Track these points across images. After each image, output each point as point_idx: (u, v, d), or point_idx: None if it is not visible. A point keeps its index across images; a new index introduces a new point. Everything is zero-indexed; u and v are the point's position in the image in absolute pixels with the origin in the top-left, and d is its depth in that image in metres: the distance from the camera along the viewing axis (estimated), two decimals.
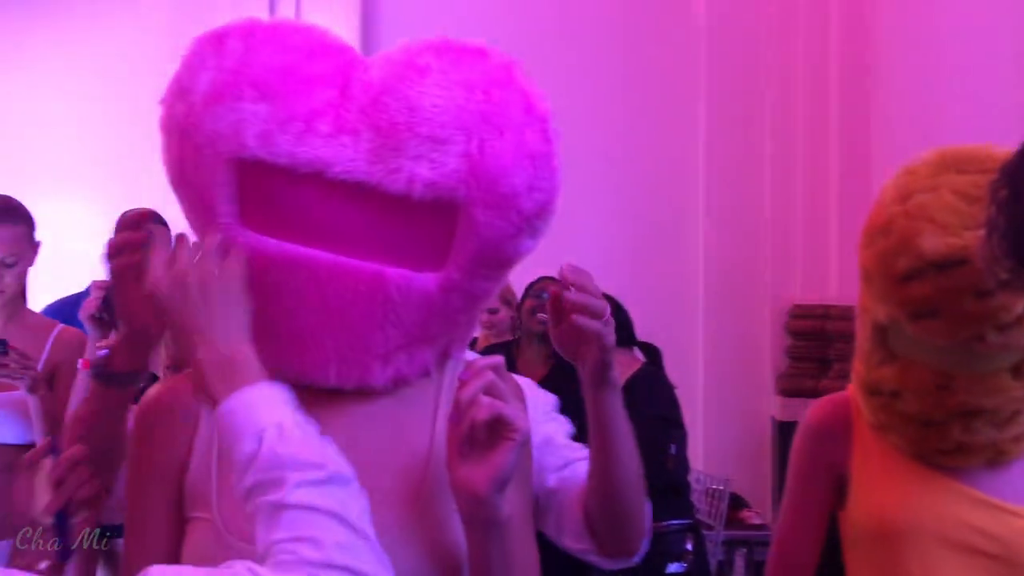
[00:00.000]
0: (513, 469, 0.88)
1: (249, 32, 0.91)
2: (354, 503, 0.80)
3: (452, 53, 0.91)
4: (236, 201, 0.90)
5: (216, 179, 0.89)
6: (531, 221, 0.93)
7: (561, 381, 1.59)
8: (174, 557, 0.96)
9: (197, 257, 0.87)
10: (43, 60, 4.31)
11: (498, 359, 0.91)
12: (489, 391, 0.87)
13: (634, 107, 4.41)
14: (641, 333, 3.03)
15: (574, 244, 3.76)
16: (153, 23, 4.21)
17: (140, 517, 0.99)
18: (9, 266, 2.21)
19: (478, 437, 0.88)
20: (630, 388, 2.94)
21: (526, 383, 1.12)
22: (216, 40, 0.91)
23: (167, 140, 0.93)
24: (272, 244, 0.90)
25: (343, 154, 0.87)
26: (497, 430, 0.87)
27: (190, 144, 0.90)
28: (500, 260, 0.95)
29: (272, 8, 4.19)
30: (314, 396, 0.97)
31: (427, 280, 0.91)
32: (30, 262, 2.30)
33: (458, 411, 0.88)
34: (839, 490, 1.33)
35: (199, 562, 0.93)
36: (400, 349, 0.95)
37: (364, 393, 0.97)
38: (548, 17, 4.31)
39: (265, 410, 0.82)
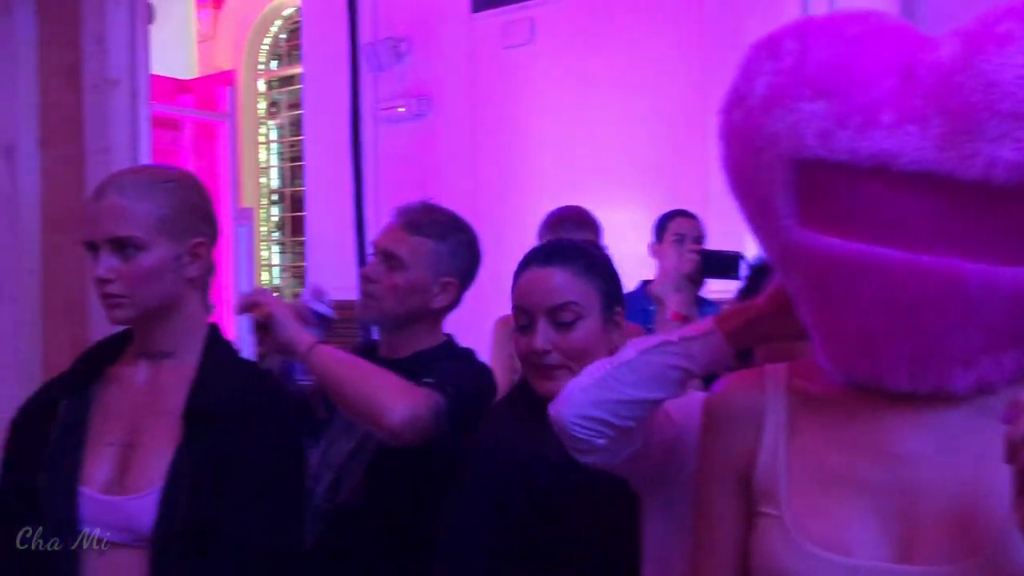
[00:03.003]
0: None
1: (803, 31, 0.89)
2: None
3: None
4: (796, 203, 0.89)
5: (776, 182, 0.88)
6: None
7: None
8: (743, 553, 0.98)
9: None
10: (594, 81, 4.77)
11: None
12: None
13: None
14: None
15: None
16: (685, 37, 4.41)
17: (709, 512, 1.03)
18: None
19: None
20: None
21: None
22: (772, 44, 0.90)
23: (726, 148, 0.95)
24: (836, 244, 0.87)
25: (908, 144, 0.81)
26: None
27: (749, 149, 0.90)
28: None
29: (804, 10, 4.10)
30: (887, 400, 0.93)
31: (1014, 275, 0.81)
32: None
33: (1012, 451, 0.76)
34: None
35: (766, 559, 0.94)
36: (984, 352, 0.86)
37: (941, 399, 0.90)
38: None
39: None
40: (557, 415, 1.11)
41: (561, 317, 1.36)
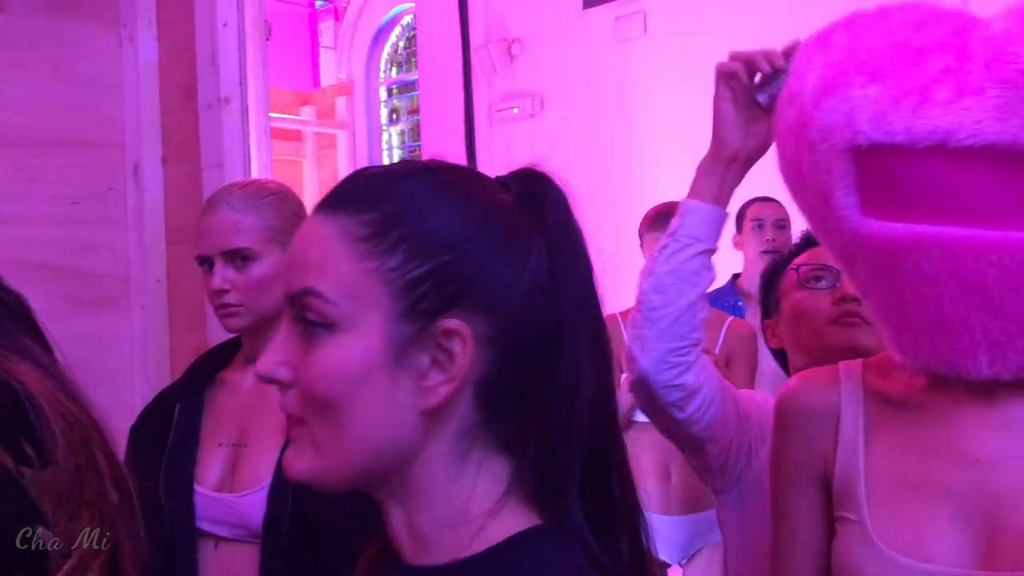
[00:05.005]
0: None
1: (851, 22, 0.89)
2: None
3: None
4: (855, 192, 0.87)
5: (833, 172, 0.87)
6: None
7: None
8: (825, 555, 0.96)
9: None
10: (709, 72, 4.69)
11: None
12: None
13: None
14: None
15: None
16: (801, 26, 4.29)
17: (786, 515, 1.01)
18: None
19: None
20: None
21: None
22: (822, 39, 0.90)
23: (781, 146, 0.95)
24: (900, 229, 0.84)
25: (966, 118, 0.78)
26: None
27: (804, 143, 0.89)
28: None
29: None
30: (969, 397, 0.89)
31: None
32: None
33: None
34: None
35: (846, 564, 0.91)
36: None
37: None
38: None
39: None
40: (639, 374, 1.13)
41: (302, 311, 0.66)
